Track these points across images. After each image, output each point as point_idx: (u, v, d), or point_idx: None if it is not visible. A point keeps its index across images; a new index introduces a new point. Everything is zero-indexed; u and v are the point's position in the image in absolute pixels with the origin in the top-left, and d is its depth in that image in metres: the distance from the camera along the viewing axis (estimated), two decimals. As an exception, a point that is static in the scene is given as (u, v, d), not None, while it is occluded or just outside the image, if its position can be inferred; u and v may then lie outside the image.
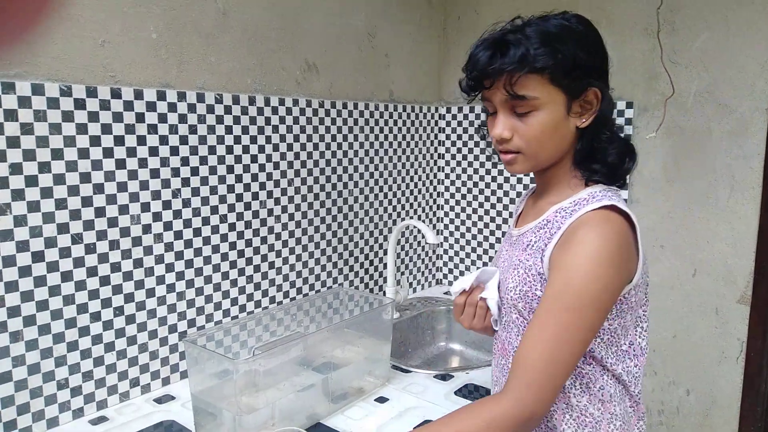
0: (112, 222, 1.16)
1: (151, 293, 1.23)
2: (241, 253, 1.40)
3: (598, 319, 0.80)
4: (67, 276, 1.10)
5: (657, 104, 1.57)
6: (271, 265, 1.48)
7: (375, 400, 1.23)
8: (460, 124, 1.99)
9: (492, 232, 1.96)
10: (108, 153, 1.14)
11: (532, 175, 1.37)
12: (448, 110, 2.01)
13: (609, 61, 0.89)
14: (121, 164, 1.16)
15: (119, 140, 1.15)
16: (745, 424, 1.53)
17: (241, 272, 1.41)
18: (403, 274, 1.94)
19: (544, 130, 0.84)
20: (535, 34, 0.81)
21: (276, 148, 1.46)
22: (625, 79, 1.60)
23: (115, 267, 1.17)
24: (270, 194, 1.46)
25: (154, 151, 1.21)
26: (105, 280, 1.16)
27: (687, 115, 1.54)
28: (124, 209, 1.17)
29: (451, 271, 2.09)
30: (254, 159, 1.41)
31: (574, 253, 0.80)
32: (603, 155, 0.88)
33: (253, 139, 1.40)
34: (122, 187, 1.17)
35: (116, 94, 1.14)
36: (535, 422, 0.79)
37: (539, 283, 0.86)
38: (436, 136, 2.02)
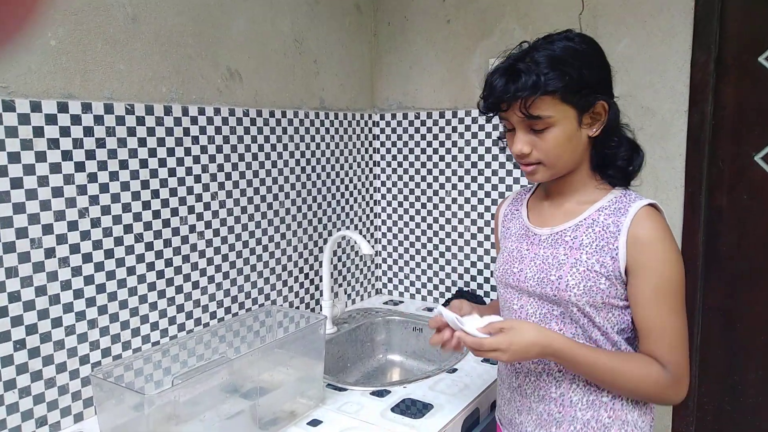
0: (9, 247, 1.05)
1: (57, 323, 1.13)
2: (160, 274, 1.31)
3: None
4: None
5: (584, 108, 1.59)
6: (195, 285, 1.39)
7: (307, 423, 1.17)
8: (394, 131, 1.96)
9: (429, 239, 1.93)
10: (1, 172, 1.03)
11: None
12: (382, 117, 1.98)
13: (612, 71, 0.97)
14: (17, 183, 1.06)
15: (14, 157, 1.05)
16: (678, 418, 1.57)
17: (161, 294, 1.32)
18: (341, 286, 1.89)
19: (559, 143, 0.92)
20: (543, 59, 0.89)
21: (197, 160, 1.37)
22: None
23: (14, 296, 1.06)
24: (191, 209, 1.37)
25: (56, 168, 1.11)
26: (2, 311, 1.05)
27: (612, 118, 1.56)
28: (22, 232, 1.07)
29: (390, 279, 2.05)
30: (172, 172, 1.32)
31: (655, 249, 0.91)
32: (613, 161, 0.98)
33: (171, 152, 1.31)
34: (19, 208, 1.06)
35: (9, 106, 1.04)
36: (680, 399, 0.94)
37: (603, 279, 0.93)
38: (370, 144, 1.98)
